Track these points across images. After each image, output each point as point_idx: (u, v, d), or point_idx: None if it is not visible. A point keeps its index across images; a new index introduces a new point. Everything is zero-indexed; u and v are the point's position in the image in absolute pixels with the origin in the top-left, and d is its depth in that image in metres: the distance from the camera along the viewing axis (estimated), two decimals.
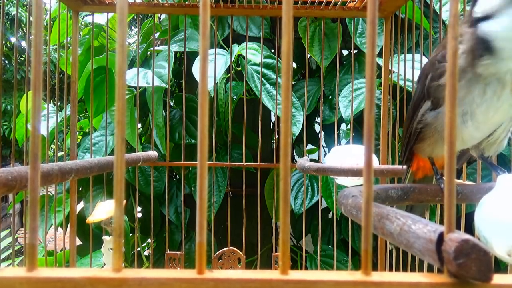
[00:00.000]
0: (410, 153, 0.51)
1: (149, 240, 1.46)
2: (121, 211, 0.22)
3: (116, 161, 0.22)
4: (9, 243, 1.69)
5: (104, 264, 0.79)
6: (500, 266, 1.09)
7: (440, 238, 0.21)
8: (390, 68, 0.89)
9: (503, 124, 0.46)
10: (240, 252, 0.91)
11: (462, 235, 0.20)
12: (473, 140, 0.47)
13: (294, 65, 1.45)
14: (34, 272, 0.21)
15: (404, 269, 0.81)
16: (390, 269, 0.86)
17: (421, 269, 0.78)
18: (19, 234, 2.32)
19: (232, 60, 1.04)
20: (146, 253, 1.44)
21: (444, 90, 0.45)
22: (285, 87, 0.23)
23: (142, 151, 1.19)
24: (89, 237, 0.90)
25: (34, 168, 0.22)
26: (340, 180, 0.75)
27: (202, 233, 0.22)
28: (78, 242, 1.15)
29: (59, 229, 1.15)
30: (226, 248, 0.91)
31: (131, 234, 1.23)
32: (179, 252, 0.91)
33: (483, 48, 0.41)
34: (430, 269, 0.79)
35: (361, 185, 0.64)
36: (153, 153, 0.90)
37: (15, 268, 0.22)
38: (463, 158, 0.56)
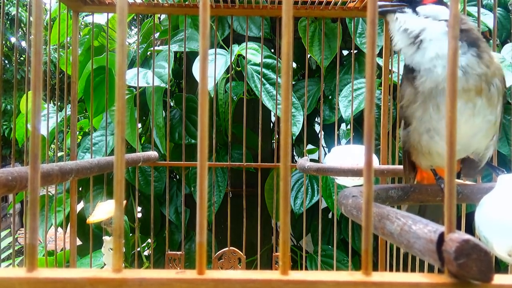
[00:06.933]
0: (411, 164, 0.52)
1: (149, 240, 1.46)
2: (121, 212, 0.22)
3: (116, 162, 0.22)
4: (9, 243, 1.69)
5: (105, 264, 0.79)
6: (500, 266, 1.09)
7: (441, 238, 0.21)
8: (390, 68, 0.89)
9: (477, 136, 0.46)
10: (241, 252, 0.91)
11: (462, 235, 0.20)
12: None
13: (294, 65, 1.45)
14: (34, 273, 0.21)
15: (405, 269, 0.81)
16: (391, 269, 0.86)
17: (421, 270, 0.78)
18: (19, 234, 2.32)
19: (232, 60, 1.04)
20: (146, 253, 1.44)
21: (406, 111, 0.48)
22: (285, 87, 0.23)
23: (142, 151, 1.19)
24: (89, 237, 0.90)
25: (34, 168, 0.22)
26: (340, 180, 0.75)
27: (202, 234, 0.22)
28: (78, 242, 1.15)
29: (59, 229, 1.15)
30: (227, 248, 0.91)
31: (131, 234, 1.23)
32: (179, 252, 0.91)
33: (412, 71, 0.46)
34: (431, 269, 0.79)
35: (361, 185, 0.64)
36: (153, 153, 0.90)
37: (15, 268, 0.22)
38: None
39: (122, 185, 0.22)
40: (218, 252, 0.92)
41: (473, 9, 1.19)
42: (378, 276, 0.21)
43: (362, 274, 0.21)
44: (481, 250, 0.19)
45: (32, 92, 0.22)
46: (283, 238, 0.23)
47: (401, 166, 0.69)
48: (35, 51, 0.22)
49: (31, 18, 0.87)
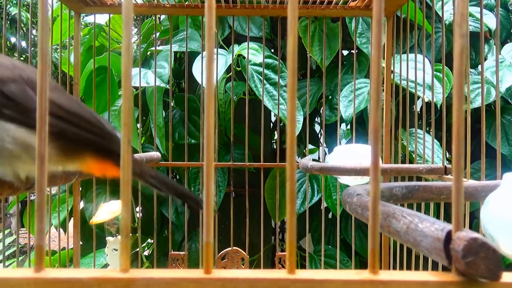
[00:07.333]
0: None
1: (149, 240, 1.46)
2: (128, 212, 0.22)
3: (123, 162, 0.22)
4: (9, 243, 1.70)
5: (108, 264, 0.79)
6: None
7: (448, 236, 0.21)
8: (392, 68, 0.89)
9: None
10: (244, 252, 0.91)
11: (470, 233, 0.20)
12: None
13: None
14: (42, 273, 0.21)
15: (408, 269, 0.81)
16: (394, 269, 0.86)
17: (425, 269, 0.78)
18: (19, 234, 2.33)
19: (232, 61, 1.04)
20: (146, 253, 1.44)
21: None
22: (291, 87, 0.23)
23: (142, 151, 1.19)
24: (92, 237, 0.90)
25: (41, 170, 0.22)
26: (343, 179, 0.75)
27: (209, 234, 0.22)
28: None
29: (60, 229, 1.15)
30: (230, 248, 0.91)
31: (131, 234, 1.23)
32: (183, 253, 0.91)
33: None
34: (435, 269, 0.79)
35: (366, 183, 0.64)
36: (156, 154, 0.90)
37: (23, 268, 0.22)
38: None
39: (129, 185, 0.22)
40: (222, 252, 0.92)
41: (472, 9, 1.19)
42: (386, 275, 0.21)
43: (370, 273, 0.21)
44: (489, 248, 0.19)
45: (38, 93, 0.22)
46: (289, 238, 0.23)
47: (404, 165, 0.69)
48: (41, 54, 0.22)
49: (32, 19, 0.87)
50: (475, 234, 0.20)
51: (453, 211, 0.21)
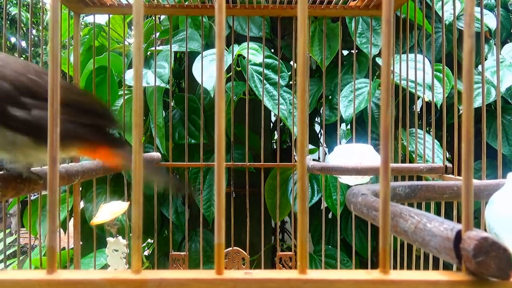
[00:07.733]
0: None
1: (149, 240, 1.46)
2: (140, 212, 0.22)
3: (134, 163, 0.22)
4: (9, 243, 1.69)
5: (108, 265, 0.79)
6: None
7: (458, 236, 0.21)
8: (392, 68, 0.90)
9: None
10: (244, 252, 0.91)
11: (480, 232, 0.20)
12: None
13: (295, 65, 1.45)
14: (54, 275, 0.21)
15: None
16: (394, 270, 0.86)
17: (425, 270, 0.78)
18: (20, 234, 2.32)
19: (233, 60, 1.04)
20: (146, 253, 1.44)
21: None
22: (301, 88, 0.23)
23: (143, 151, 1.18)
24: (92, 238, 0.90)
25: (53, 171, 0.22)
26: (343, 179, 0.75)
27: (220, 234, 0.22)
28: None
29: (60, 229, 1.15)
30: (230, 248, 0.91)
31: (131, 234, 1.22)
32: (183, 253, 0.91)
33: None
34: (435, 269, 0.79)
35: (366, 183, 0.64)
36: (156, 154, 0.89)
37: (36, 270, 0.22)
38: None
39: (140, 185, 0.22)
40: None
41: None
42: (396, 275, 0.21)
43: (380, 273, 0.21)
44: (499, 247, 0.19)
45: (50, 95, 0.22)
46: (300, 238, 0.23)
47: (405, 164, 0.70)
48: (52, 56, 0.22)
49: (32, 19, 0.87)
50: (485, 234, 0.20)
51: (463, 210, 0.21)
